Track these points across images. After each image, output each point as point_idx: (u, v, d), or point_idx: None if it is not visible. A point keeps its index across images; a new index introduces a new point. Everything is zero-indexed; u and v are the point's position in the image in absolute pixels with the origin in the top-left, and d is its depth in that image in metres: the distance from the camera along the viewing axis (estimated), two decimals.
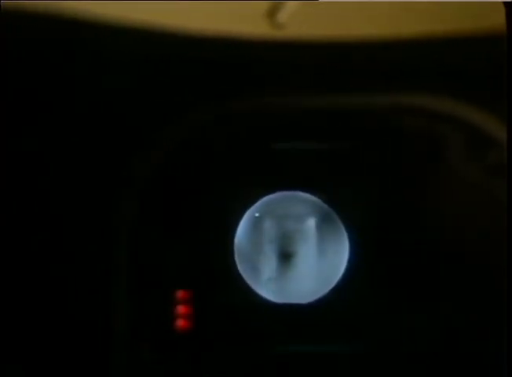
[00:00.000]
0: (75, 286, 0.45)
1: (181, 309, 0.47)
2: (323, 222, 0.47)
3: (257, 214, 0.47)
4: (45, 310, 0.45)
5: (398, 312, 0.47)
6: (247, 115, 0.47)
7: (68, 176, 0.46)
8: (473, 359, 0.46)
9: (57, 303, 0.45)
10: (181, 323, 0.47)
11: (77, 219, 0.46)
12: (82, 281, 0.45)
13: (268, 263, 0.47)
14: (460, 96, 0.45)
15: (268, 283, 0.47)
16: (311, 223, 0.47)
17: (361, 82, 0.46)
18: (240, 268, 0.47)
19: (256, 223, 0.47)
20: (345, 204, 0.47)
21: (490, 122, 0.46)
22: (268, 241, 0.47)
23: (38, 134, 0.45)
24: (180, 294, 0.47)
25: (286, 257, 0.47)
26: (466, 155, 0.47)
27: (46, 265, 0.45)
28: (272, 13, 0.45)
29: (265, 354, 0.47)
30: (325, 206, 0.47)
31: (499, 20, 0.43)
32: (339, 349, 0.47)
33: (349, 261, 0.47)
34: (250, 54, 0.45)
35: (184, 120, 0.46)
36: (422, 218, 0.47)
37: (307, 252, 0.47)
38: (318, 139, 0.48)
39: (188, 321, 0.47)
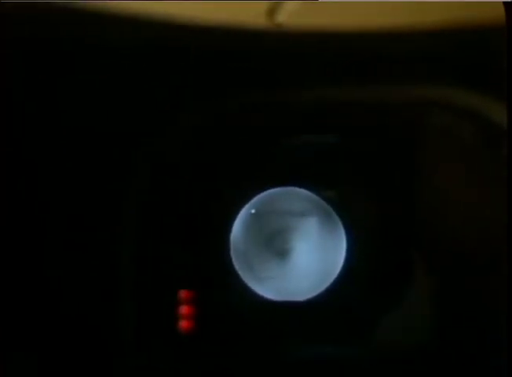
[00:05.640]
0: (78, 287, 0.46)
1: (183, 309, 0.47)
2: (320, 219, 0.46)
3: (252, 211, 0.47)
4: (48, 312, 0.46)
5: (396, 310, 0.46)
6: (241, 113, 0.46)
7: (73, 177, 0.46)
8: (471, 360, 0.44)
9: (60, 304, 0.46)
10: (183, 323, 0.47)
11: (80, 220, 0.46)
12: (85, 283, 0.46)
13: (265, 260, 0.46)
14: (473, 87, 0.43)
15: (266, 281, 0.46)
16: (307, 219, 0.46)
17: (364, 76, 0.44)
18: (237, 266, 0.46)
19: (252, 220, 0.47)
20: (343, 200, 0.46)
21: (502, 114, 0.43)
22: (263, 238, 0.46)
23: (42, 133, 0.46)
24: (182, 294, 0.47)
25: (282, 254, 0.46)
26: (477, 150, 0.45)
27: (49, 268, 0.46)
28: (271, 13, 0.44)
29: (267, 353, 0.46)
30: (322, 202, 0.46)
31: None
32: (338, 348, 0.46)
33: (347, 258, 0.46)
34: (253, 47, 0.44)
35: (182, 120, 0.46)
36: (425, 215, 0.45)
37: (304, 249, 0.46)
38: (317, 134, 0.46)
39: (191, 321, 0.47)
